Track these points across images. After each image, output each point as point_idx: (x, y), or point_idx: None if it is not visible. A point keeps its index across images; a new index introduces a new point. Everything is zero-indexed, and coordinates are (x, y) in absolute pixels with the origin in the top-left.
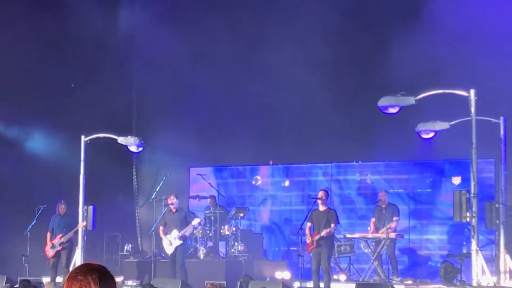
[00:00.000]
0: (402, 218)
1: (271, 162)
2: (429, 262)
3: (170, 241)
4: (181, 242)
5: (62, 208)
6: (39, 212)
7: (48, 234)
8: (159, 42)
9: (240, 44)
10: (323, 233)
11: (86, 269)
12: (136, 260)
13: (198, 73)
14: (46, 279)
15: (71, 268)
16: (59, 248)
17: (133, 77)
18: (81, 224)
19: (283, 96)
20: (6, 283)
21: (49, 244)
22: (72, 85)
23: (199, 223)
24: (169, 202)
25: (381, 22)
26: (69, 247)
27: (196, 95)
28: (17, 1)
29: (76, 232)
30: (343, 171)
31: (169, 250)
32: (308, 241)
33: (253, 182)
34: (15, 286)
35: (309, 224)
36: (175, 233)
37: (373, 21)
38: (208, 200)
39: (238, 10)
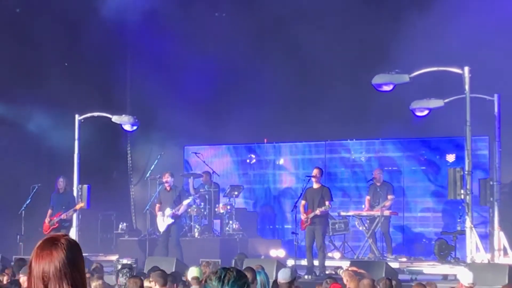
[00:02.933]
0: (397, 196)
1: (265, 140)
2: (423, 240)
3: (163, 219)
4: (172, 220)
5: (60, 183)
6: (34, 191)
7: (49, 211)
8: (153, 19)
9: (235, 21)
10: (318, 211)
11: (50, 242)
12: (130, 238)
13: (193, 51)
14: None
15: None
16: (55, 225)
17: (127, 55)
18: (79, 205)
19: (277, 74)
20: (0, 262)
21: (46, 220)
22: (66, 64)
23: (189, 204)
24: (164, 180)
25: (376, 2)
26: (69, 226)
27: (190, 73)
28: None
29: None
30: (337, 149)
31: (161, 227)
32: (303, 217)
33: (248, 161)
34: (11, 264)
35: (303, 202)
36: (168, 211)
37: (367, 1)
38: (203, 177)
39: None
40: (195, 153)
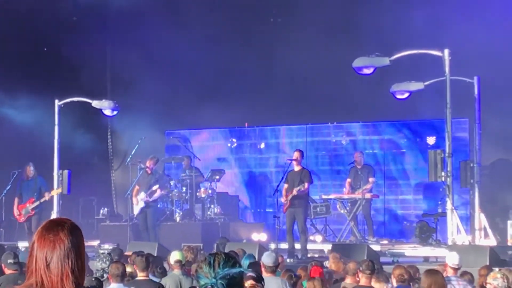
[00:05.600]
0: (378, 179)
1: (246, 124)
2: (405, 222)
3: (137, 202)
4: (143, 205)
5: (30, 171)
6: (14, 177)
7: (16, 199)
8: (134, 4)
9: (220, 5)
10: (294, 191)
11: (55, 225)
12: (112, 223)
13: (174, 35)
14: (21, 244)
15: None
16: (31, 213)
17: (107, 40)
18: (57, 190)
19: (257, 58)
20: None
21: (16, 209)
22: (45, 49)
23: (168, 188)
24: (147, 165)
25: None
26: (40, 211)
27: (171, 58)
28: None
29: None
30: (318, 133)
31: (135, 211)
32: (283, 200)
33: (229, 145)
34: None
35: (286, 185)
36: (141, 195)
37: None
38: (184, 161)
39: None
40: (176, 137)
